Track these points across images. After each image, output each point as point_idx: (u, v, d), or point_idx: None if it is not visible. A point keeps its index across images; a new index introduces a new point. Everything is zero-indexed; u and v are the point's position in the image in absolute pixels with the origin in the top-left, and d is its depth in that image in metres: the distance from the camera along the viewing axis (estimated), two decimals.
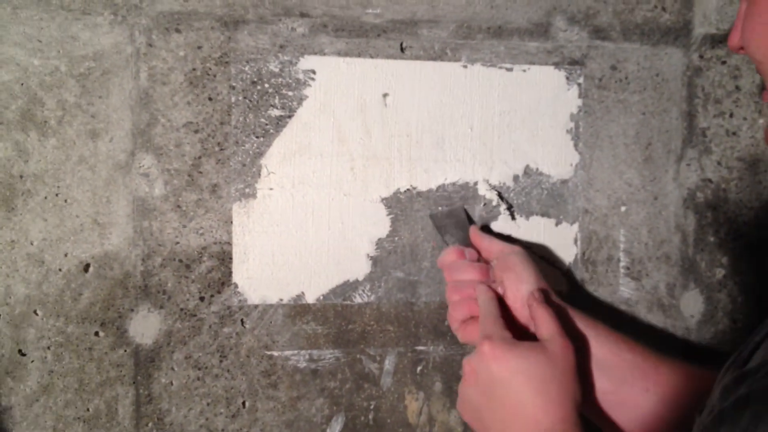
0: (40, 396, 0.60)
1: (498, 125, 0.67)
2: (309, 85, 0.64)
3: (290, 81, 0.63)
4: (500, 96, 0.67)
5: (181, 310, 0.62)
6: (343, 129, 0.64)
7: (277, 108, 0.63)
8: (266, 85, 0.63)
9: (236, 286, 0.63)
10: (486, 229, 0.67)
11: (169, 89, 0.61)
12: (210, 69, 0.62)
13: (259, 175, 0.63)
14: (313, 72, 0.64)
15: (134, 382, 0.62)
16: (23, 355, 0.60)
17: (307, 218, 0.64)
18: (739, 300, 0.72)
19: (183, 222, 0.62)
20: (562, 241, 0.69)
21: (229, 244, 0.63)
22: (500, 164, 0.67)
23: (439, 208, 0.66)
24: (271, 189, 0.64)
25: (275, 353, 0.64)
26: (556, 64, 0.67)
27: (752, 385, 0.34)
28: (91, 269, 0.61)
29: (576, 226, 0.69)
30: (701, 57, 0.70)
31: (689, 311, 0.71)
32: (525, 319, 0.56)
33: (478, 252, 0.61)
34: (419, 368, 0.67)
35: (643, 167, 0.70)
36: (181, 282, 0.62)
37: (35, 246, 0.60)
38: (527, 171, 0.68)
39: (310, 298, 0.65)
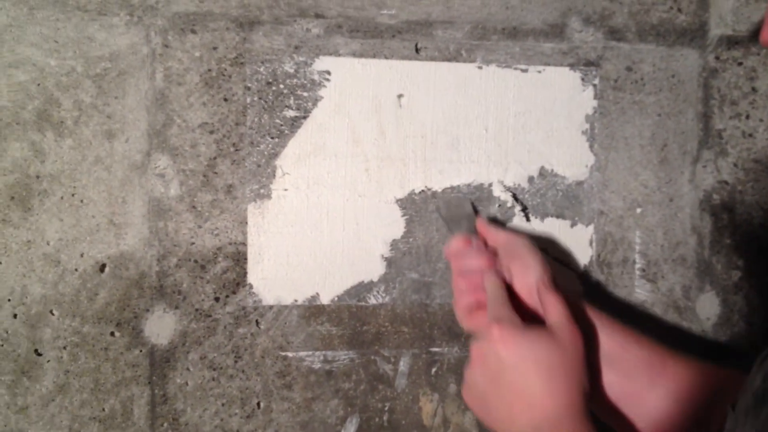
0: (56, 396, 0.60)
1: (513, 126, 0.67)
2: (324, 86, 0.64)
3: (305, 82, 0.63)
4: (515, 97, 0.67)
5: (196, 310, 0.62)
6: (357, 130, 0.64)
7: (292, 109, 0.63)
8: (281, 86, 0.63)
9: (251, 286, 0.63)
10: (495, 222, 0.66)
11: (185, 90, 0.61)
12: (225, 70, 0.62)
13: (274, 175, 0.63)
14: (328, 73, 0.64)
15: (149, 383, 0.62)
16: (39, 355, 0.60)
17: (322, 219, 0.64)
18: (755, 302, 0.71)
19: (198, 222, 0.62)
20: (578, 242, 0.68)
21: (244, 244, 0.63)
22: (515, 165, 0.67)
23: (445, 200, 0.65)
24: (285, 190, 0.63)
25: (290, 354, 0.64)
26: (572, 65, 0.67)
27: None
28: (106, 269, 0.61)
29: (591, 228, 0.68)
30: (717, 58, 0.70)
31: (705, 313, 0.71)
32: (532, 307, 0.55)
33: (485, 241, 0.61)
34: (434, 370, 0.67)
35: (659, 169, 0.69)
36: (197, 282, 0.62)
37: (51, 246, 0.60)
38: (542, 172, 0.67)
39: (325, 299, 0.65)
